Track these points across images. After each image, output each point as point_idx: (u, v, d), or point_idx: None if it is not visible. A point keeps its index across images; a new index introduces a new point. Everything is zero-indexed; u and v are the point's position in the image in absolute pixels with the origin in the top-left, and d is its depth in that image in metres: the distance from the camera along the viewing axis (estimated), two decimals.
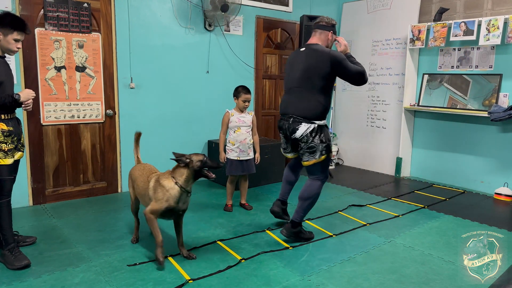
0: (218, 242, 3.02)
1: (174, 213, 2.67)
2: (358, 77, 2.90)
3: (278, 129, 3.10)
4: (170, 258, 2.72)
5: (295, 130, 2.89)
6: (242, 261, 2.71)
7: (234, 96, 3.69)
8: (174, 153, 2.62)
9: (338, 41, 3.07)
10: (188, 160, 2.59)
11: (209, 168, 2.65)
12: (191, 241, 3.02)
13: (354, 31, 5.77)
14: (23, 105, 2.55)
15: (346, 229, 3.34)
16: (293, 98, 2.94)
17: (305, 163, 2.96)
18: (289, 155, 3.19)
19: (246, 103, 3.64)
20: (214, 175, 2.67)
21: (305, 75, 2.87)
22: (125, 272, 2.53)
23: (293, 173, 3.35)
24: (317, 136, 2.86)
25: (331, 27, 3.00)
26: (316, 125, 2.87)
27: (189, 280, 2.43)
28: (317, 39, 3.00)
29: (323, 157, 2.89)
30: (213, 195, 4.26)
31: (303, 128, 2.86)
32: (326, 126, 2.95)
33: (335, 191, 4.52)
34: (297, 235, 3.03)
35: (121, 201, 4.00)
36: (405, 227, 3.40)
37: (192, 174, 2.60)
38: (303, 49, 2.98)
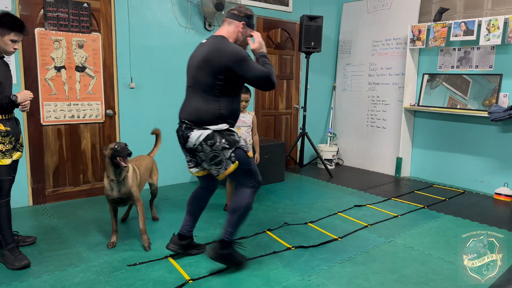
0: None
1: (115, 201, 2.83)
2: (260, 81, 2.35)
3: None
4: (170, 259, 2.72)
5: (187, 139, 2.39)
6: None
7: None
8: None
9: (252, 36, 2.54)
10: (104, 149, 2.77)
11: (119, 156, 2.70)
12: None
13: (354, 31, 5.77)
14: (20, 107, 2.55)
15: (346, 229, 3.33)
16: (187, 99, 2.47)
17: (218, 178, 2.47)
18: (195, 171, 2.56)
19: (245, 103, 3.59)
20: (124, 164, 2.68)
21: (199, 71, 2.37)
22: (125, 272, 2.53)
23: (198, 199, 2.73)
24: (217, 144, 2.34)
25: (243, 18, 2.47)
26: (210, 131, 2.34)
27: (189, 280, 2.43)
28: (225, 30, 2.48)
29: (233, 165, 2.37)
30: (213, 195, 4.25)
31: (195, 136, 2.35)
32: (228, 130, 2.41)
33: (335, 191, 4.52)
34: (227, 258, 2.52)
35: None
36: (405, 227, 3.40)
37: (109, 163, 2.72)
38: (204, 40, 2.50)
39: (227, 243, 2.49)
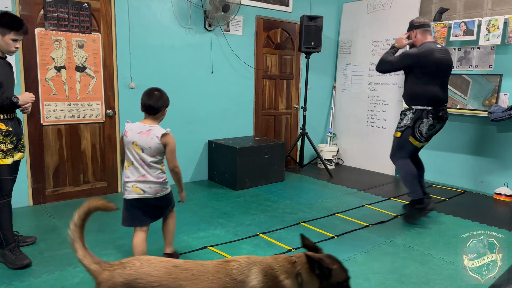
0: (210, 247, 3.01)
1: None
2: None
3: (436, 120, 3.40)
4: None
5: (447, 118, 3.51)
6: None
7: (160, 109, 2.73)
8: None
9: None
10: None
11: None
12: (191, 241, 3.02)
13: (354, 31, 5.77)
14: (21, 108, 2.55)
15: (346, 229, 3.33)
16: (441, 89, 3.41)
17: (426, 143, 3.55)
18: (422, 144, 3.53)
19: None
20: None
21: (448, 72, 3.48)
22: None
23: (416, 165, 3.66)
24: None
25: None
26: None
27: None
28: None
29: None
30: (213, 195, 4.26)
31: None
32: None
33: (335, 191, 4.52)
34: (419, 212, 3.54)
35: (121, 201, 3.98)
36: (405, 227, 3.40)
37: None
38: (440, 46, 3.45)
39: (413, 201, 3.56)
